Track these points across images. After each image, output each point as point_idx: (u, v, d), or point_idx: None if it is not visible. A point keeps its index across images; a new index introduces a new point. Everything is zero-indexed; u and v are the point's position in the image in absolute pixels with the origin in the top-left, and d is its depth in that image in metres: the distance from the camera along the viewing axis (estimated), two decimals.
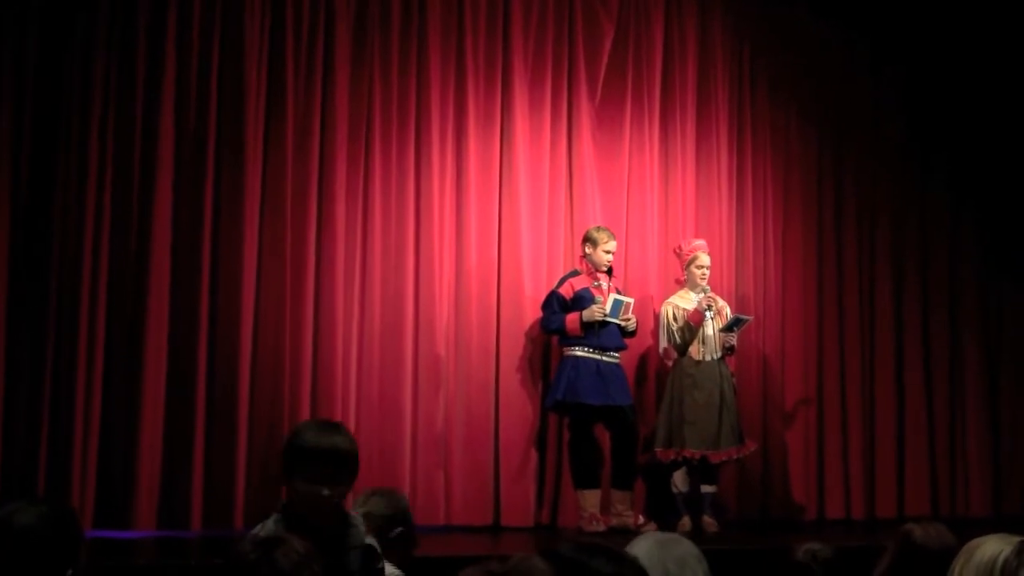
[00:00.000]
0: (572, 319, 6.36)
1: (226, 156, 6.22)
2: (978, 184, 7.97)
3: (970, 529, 2.45)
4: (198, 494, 5.95)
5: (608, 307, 6.33)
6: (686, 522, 6.50)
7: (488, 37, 6.90)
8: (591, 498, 6.39)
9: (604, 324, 6.36)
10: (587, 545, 2.03)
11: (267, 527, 2.76)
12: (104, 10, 6.05)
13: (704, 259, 6.71)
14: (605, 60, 7.14)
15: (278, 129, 6.33)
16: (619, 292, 6.51)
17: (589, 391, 6.31)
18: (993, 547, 2.05)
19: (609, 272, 6.57)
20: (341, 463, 2.77)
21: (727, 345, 6.63)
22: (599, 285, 6.48)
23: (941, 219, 7.93)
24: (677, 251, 6.86)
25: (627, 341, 6.55)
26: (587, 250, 6.53)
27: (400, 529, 3.26)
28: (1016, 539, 2.05)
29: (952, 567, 2.09)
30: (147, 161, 6.07)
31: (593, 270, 6.52)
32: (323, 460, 2.75)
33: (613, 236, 6.57)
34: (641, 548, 2.20)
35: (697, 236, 7.03)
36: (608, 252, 6.50)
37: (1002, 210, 7.96)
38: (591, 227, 6.63)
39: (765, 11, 7.66)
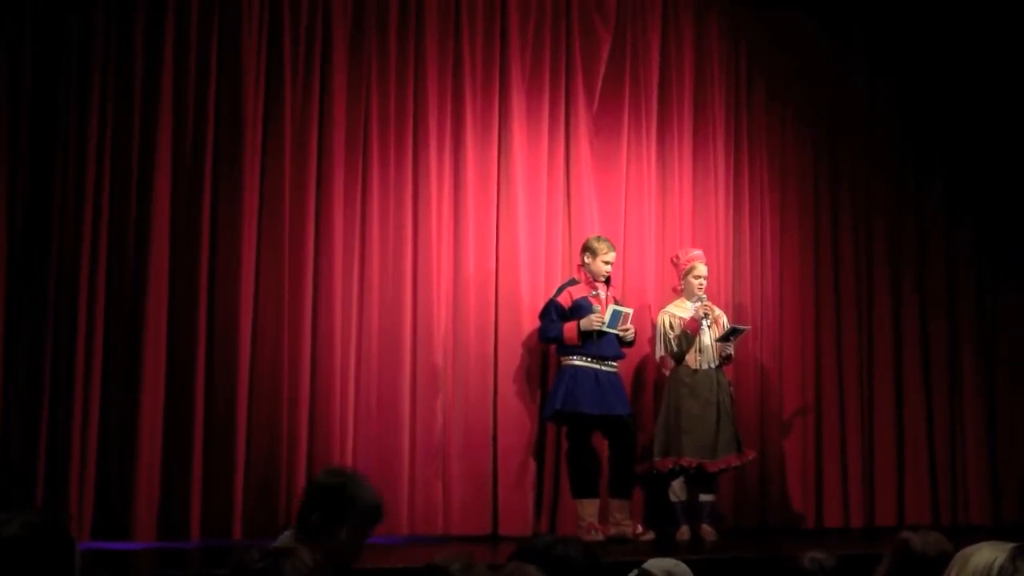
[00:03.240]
0: (570, 328, 6.35)
1: (223, 163, 6.22)
2: (973, 185, 7.95)
3: (969, 537, 2.45)
4: (197, 504, 5.95)
5: (607, 317, 6.32)
6: (685, 531, 6.49)
7: (485, 46, 6.90)
8: (589, 507, 6.38)
9: (602, 333, 6.34)
10: (557, 539, 2.41)
11: (282, 540, 2.78)
12: (100, 14, 6.05)
13: (702, 269, 6.70)
14: (602, 68, 7.15)
15: (276, 136, 6.34)
16: (617, 302, 6.50)
17: (588, 400, 6.30)
18: (987, 555, 2.05)
19: (607, 282, 6.56)
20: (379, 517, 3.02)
21: (724, 354, 6.63)
22: (597, 295, 6.47)
23: (937, 221, 7.91)
24: (674, 260, 6.85)
25: (625, 350, 6.55)
26: (586, 259, 6.52)
27: None
28: (1009, 546, 2.06)
29: (946, 575, 2.09)
30: (144, 169, 6.06)
31: (591, 279, 6.51)
32: (374, 517, 3.01)
33: (613, 247, 6.56)
34: None
35: (694, 244, 7.03)
36: (607, 263, 6.49)
37: (998, 212, 7.94)
38: (591, 236, 6.62)
39: (760, 13, 7.66)
